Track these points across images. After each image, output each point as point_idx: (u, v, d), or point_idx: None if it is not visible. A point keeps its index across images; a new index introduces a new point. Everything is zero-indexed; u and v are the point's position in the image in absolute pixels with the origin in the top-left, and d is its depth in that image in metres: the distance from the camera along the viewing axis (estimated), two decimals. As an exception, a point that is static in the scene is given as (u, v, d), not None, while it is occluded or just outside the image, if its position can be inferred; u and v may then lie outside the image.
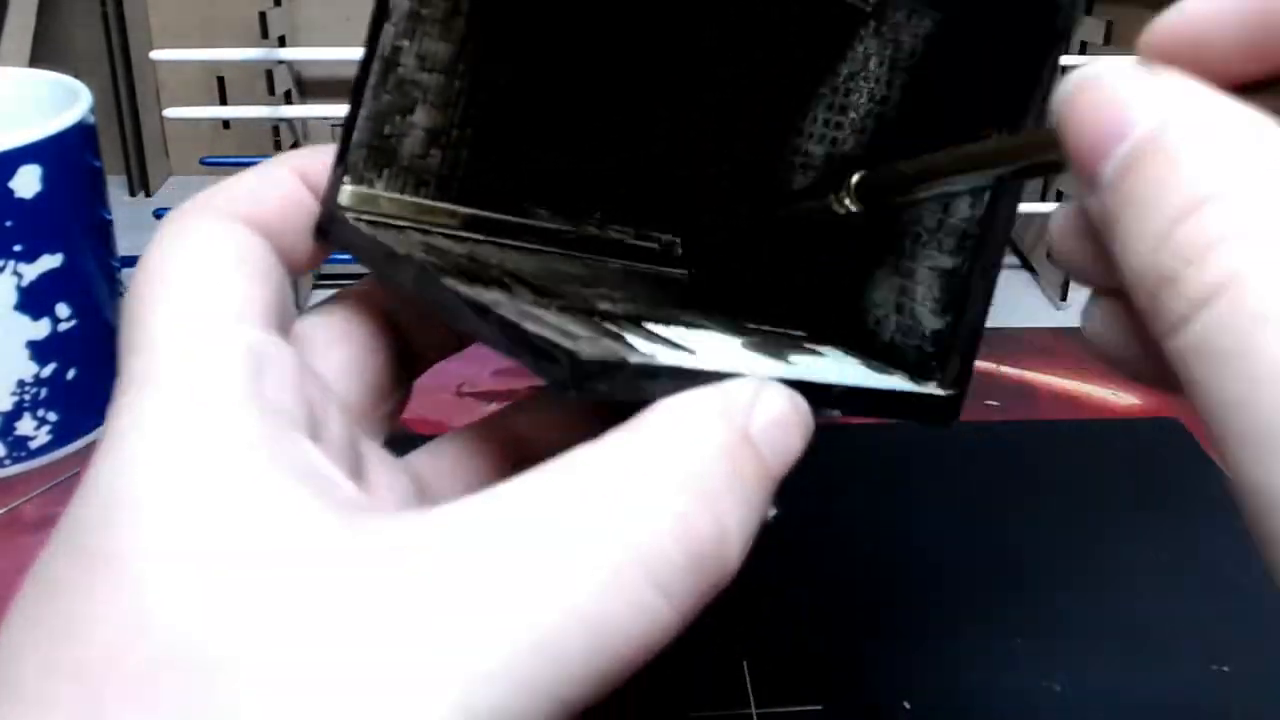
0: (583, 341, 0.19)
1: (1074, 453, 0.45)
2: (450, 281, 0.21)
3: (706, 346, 0.23)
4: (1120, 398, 0.50)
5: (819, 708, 0.33)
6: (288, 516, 0.17)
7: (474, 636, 0.16)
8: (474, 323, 0.20)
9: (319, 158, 0.23)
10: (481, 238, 0.26)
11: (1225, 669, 0.35)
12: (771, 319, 0.28)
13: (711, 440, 0.18)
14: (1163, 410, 0.49)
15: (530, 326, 0.19)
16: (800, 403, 0.20)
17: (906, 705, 0.33)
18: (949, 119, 0.26)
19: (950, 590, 0.37)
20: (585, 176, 0.28)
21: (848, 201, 0.25)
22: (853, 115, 0.28)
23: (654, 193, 0.29)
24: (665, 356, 0.20)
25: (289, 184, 0.23)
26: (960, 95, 0.26)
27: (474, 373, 0.49)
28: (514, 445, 0.25)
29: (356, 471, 0.21)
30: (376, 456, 0.22)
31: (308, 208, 0.23)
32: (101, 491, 0.17)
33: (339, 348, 0.23)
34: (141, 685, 0.15)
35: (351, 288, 0.24)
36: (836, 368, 0.24)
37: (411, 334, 0.25)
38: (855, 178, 0.25)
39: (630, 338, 0.21)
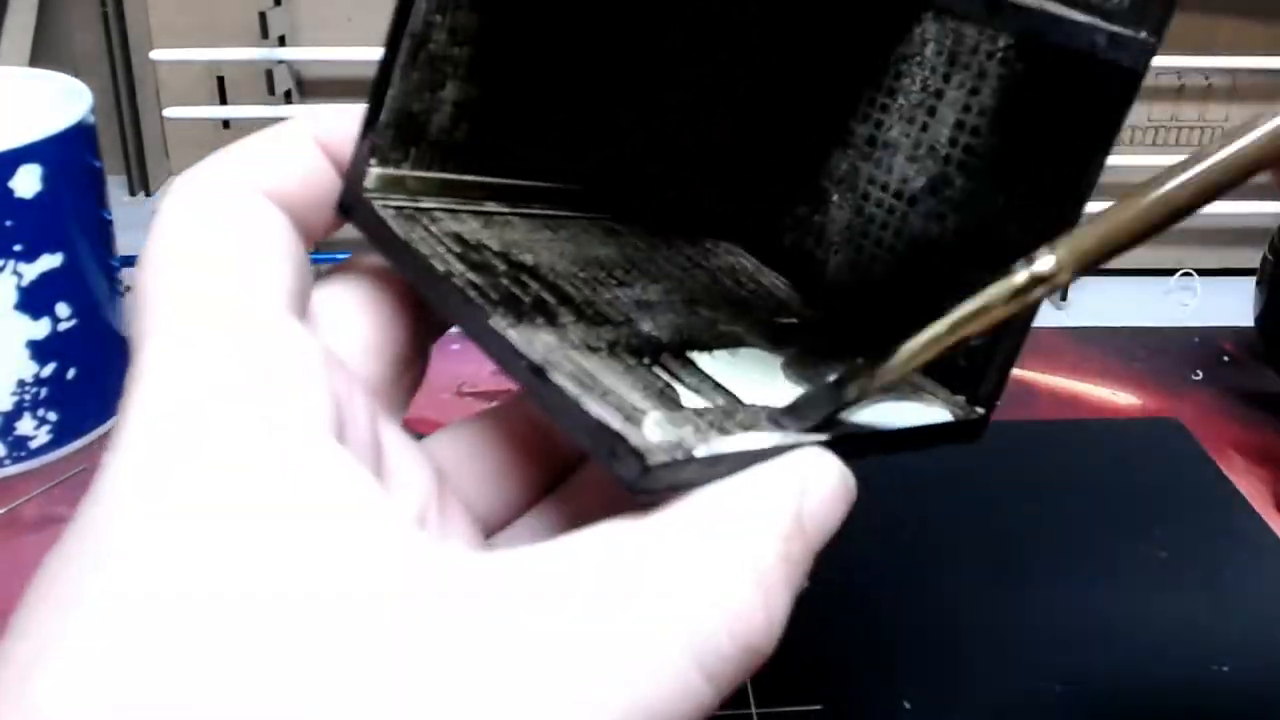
0: (646, 425, 0.19)
1: (1074, 453, 0.45)
2: (499, 322, 0.20)
3: (751, 380, 0.23)
4: (1120, 398, 0.50)
5: (819, 708, 0.33)
6: (307, 559, 0.16)
7: (533, 715, 0.16)
8: (531, 383, 0.20)
9: (340, 126, 0.22)
10: (508, 209, 0.25)
11: (1225, 669, 0.35)
12: (802, 303, 0.28)
13: (770, 531, 0.18)
14: (1163, 410, 0.49)
15: (590, 405, 0.19)
16: (848, 477, 0.20)
17: (906, 705, 0.33)
18: (1010, 134, 0.25)
19: (950, 590, 0.37)
20: (601, 139, 0.28)
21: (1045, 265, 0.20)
22: (901, 101, 0.28)
23: (667, 162, 0.29)
24: (721, 439, 0.20)
25: (310, 155, 0.22)
26: (1025, 112, 0.25)
27: (474, 372, 0.49)
28: (532, 428, 0.25)
29: (377, 466, 0.20)
30: (396, 443, 0.22)
31: (329, 182, 0.22)
32: (106, 498, 0.17)
33: (360, 321, 0.22)
34: None
35: (366, 254, 0.23)
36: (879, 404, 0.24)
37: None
38: (1055, 247, 0.19)
39: (683, 391, 0.21)
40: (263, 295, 0.19)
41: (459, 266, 0.22)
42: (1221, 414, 0.49)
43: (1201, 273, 0.59)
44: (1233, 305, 0.55)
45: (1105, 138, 0.22)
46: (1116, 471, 0.44)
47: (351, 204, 0.22)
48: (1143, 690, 0.34)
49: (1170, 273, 0.60)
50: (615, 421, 0.19)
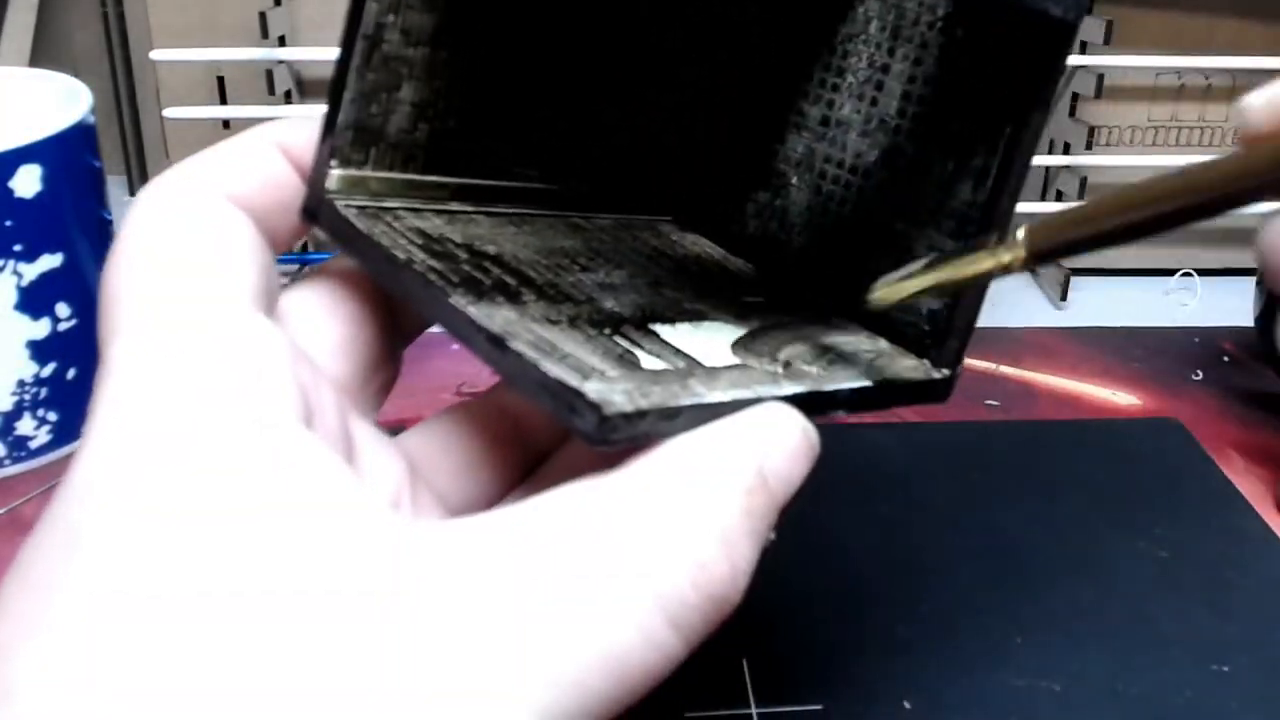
0: (603, 385, 0.19)
1: (1074, 453, 0.45)
2: (459, 300, 0.21)
3: (714, 350, 0.23)
4: (1120, 398, 0.50)
5: (819, 708, 0.33)
6: (269, 554, 0.16)
7: (513, 678, 0.16)
8: (490, 354, 0.20)
9: (302, 132, 0.23)
10: (473, 208, 0.26)
11: (1225, 669, 0.35)
12: (767, 285, 0.28)
13: (731, 484, 0.19)
14: (1163, 410, 0.49)
15: (549, 367, 0.19)
16: (811, 432, 0.21)
17: (906, 705, 0.33)
18: (954, 99, 0.26)
19: (950, 590, 0.37)
20: (573, 138, 0.28)
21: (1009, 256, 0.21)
22: (850, 79, 0.28)
23: (643, 159, 0.29)
24: (681, 391, 0.20)
25: (273, 160, 0.22)
26: (967, 76, 0.26)
27: (474, 372, 0.49)
28: (502, 419, 0.25)
29: (348, 457, 0.21)
30: (368, 437, 0.22)
31: (292, 186, 0.23)
32: (81, 493, 0.17)
33: (328, 325, 0.23)
34: None
35: (335, 259, 0.24)
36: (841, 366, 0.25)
37: (400, 305, 0.24)
38: (1022, 232, 0.21)
39: (643, 356, 0.21)
40: (227, 293, 0.20)
41: (420, 255, 0.22)
42: (1221, 414, 0.49)
43: (1201, 273, 0.59)
44: (1233, 305, 0.55)
45: (1043, 92, 0.23)
46: (1116, 471, 0.44)
47: (315, 206, 0.23)
48: (1143, 690, 0.34)
49: (1170, 273, 0.60)
50: (572, 379, 0.19)
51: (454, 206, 0.25)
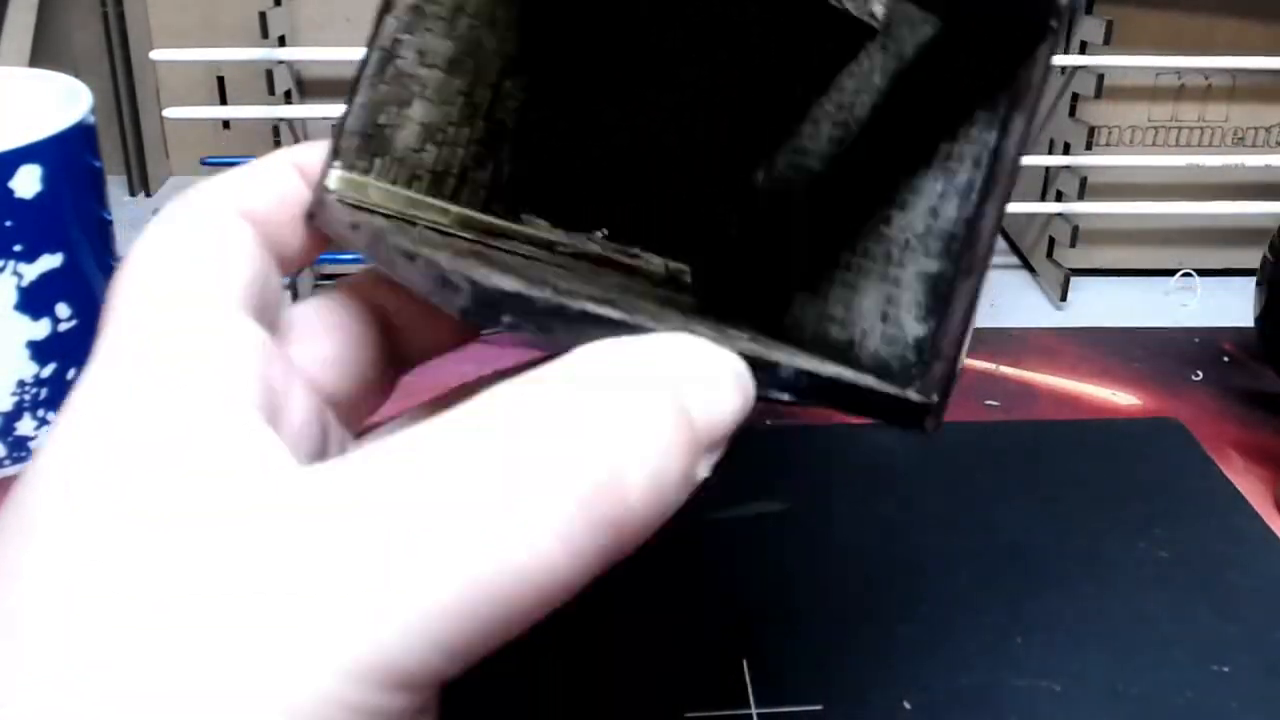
0: (496, 276, 0.18)
1: (1074, 453, 0.45)
2: (397, 240, 0.21)
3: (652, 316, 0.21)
4: (1120, 398, 0.50)
5: (819, 708, 0.33)
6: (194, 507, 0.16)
7: (358, 613, 0.15)
8: (400, 266, 0.20)
9: (317, 152, 0.24)
10: (472, 238, 0.26)
11: (1225, 669, 0.35)
12: (752, 305, 0.28)
13: (613, 383, 0.17)
14: (1163, 410, 0.49)
15: (447, 263, 0.18)
16: (737, 364, 0.19)
17: (906, 705, 0.33)
18: (938, 115, 0.26)
19: (950, 590, 0.37)
20: (588, 188, 0.28)
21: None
22: (835, 98, 0.28)
23: (657, 210, 0.30)
24: (568, 299, 0.18)
25: (284, 176, 0.23)
26: (950, 81, 0.26)
27: (474, 372, 0.49)
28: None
29: (321, 456, 0.21)
30: (343, 446, 0.23)
31: (302, 201, 0.23)
32: (25, 483, 0.17)
33: (326, 337, 0.24)
34: None
35: (346, 280, 0.25)
36: (799, 357, 0.23)
37: (403, 333, 0.25)
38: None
39: (569, 303, 0.19)
40: (207, 285, 0.20)
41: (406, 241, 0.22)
42: (1221, 414, 0.49)
43: (1201, 273, 0.59)
44: (1233, 305, 0.55)
45: (1023, 98, 0.22)
46: (1116, 471, 0.44)
47: (315, 208, 0.23)
48: (1143, 690, 0.34)
49: (1170, 273, 0.60)
50: (467, 269, 0.18)
51: (452, 232, 0.26)
